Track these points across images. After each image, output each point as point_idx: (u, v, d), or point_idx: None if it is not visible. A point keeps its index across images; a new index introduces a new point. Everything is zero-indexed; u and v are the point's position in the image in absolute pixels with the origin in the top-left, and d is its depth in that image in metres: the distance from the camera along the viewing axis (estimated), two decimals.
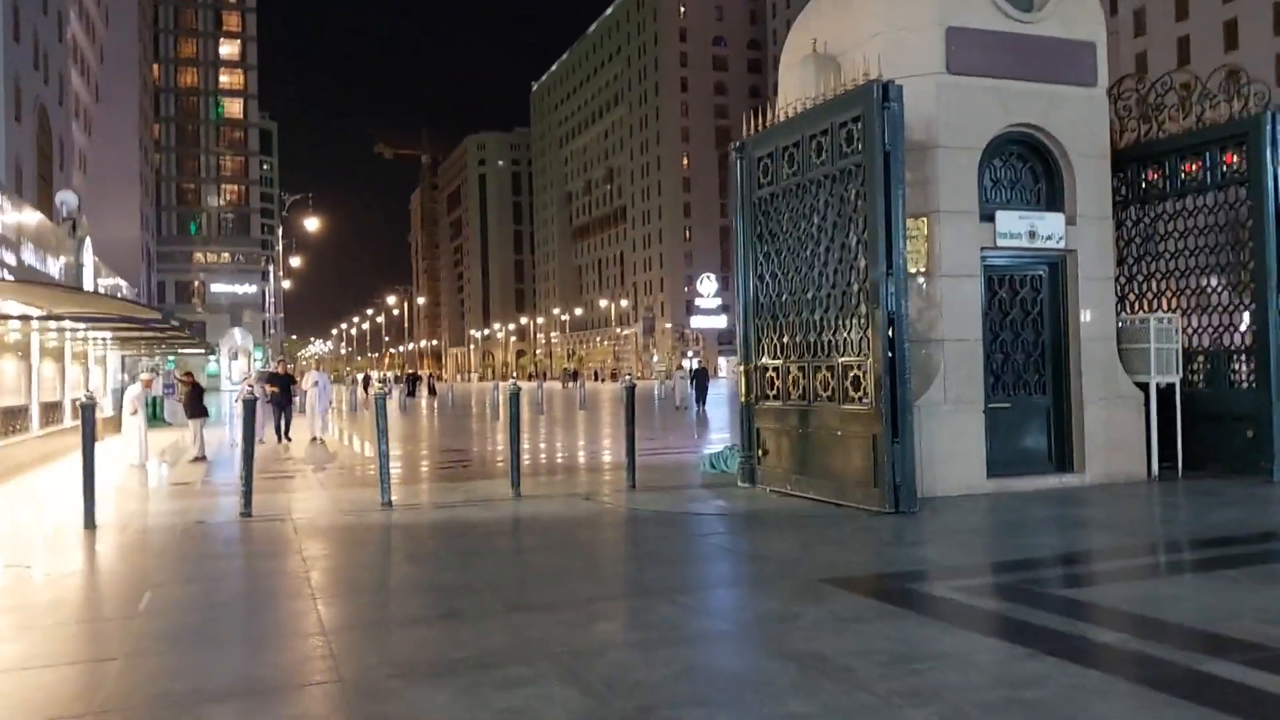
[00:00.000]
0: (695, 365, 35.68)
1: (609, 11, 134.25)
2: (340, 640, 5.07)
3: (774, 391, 10.43)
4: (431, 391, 60.56)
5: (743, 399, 10.83)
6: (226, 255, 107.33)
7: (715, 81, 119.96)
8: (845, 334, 9.32)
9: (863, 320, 9.05)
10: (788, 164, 10.20)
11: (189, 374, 18.35)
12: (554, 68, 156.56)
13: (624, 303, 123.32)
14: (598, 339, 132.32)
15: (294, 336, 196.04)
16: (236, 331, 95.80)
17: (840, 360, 9.34)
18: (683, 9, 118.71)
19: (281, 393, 18.65)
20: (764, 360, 10.59)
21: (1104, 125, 10.78)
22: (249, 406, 9.37)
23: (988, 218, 10.10)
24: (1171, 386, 10.96)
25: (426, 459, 16.46)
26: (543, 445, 19.07)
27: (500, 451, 16.98)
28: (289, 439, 18.69)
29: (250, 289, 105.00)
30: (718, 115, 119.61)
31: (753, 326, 10.72)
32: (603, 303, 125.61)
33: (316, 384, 19.00)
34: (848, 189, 9.30)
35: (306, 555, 7.46)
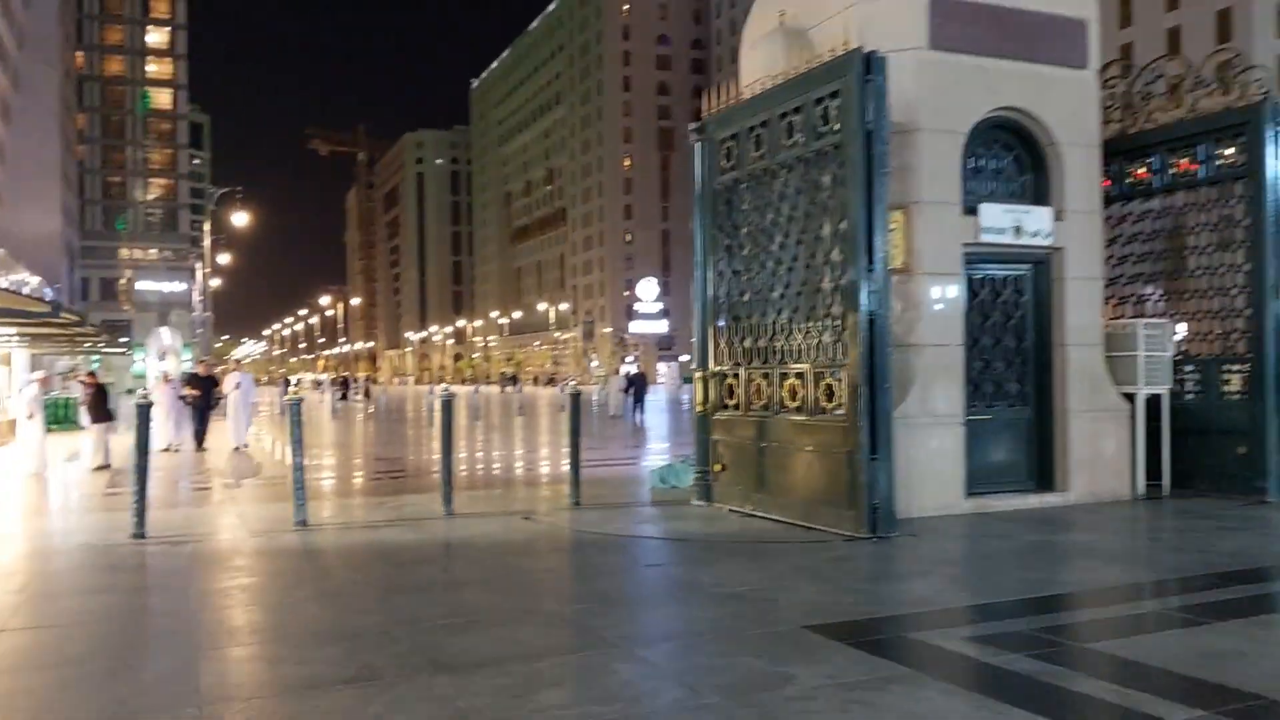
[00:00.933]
0: (632, 371, 34.24)
1: (551, 8, 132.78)
2: (217, 718, 3.95)
3: (734, 401, 9.46)
4: (366, 395, 58.72)
5: (699, 408, 9.83)
6: (154, 252, 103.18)
7: (659, 81, 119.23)
8: (817, 338, 8.39)
9: (837, 322, 8.12)
10: (754, 146, 9.24)
11: (91, 374, 16.77)
12: (494, 65, 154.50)
13: (564, 306, 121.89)
14: (537, 343, 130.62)
15: (226, 337, 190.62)
16: (164, 331, 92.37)
17: (810, 367, 8.41)
18: (626, 6, 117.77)
19: (202, 396, 17.20)
20: (723, 366, 9.61)
21: (1094, 111, 10.02)
22: (142, 412, 8.09)
23: (969, 211, 9.28)
24: (1156, 398, 10.26)
25: (355, 470, 15.19)
26: (479, 455, 17.90)
27: (436, 461, 15.76)
28: (205, 446, 17.25)
29: (179, 287, 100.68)
30: (661, 116, 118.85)
31: (711, 329, 9.74)
32: (542, 306, 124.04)
33: (239, 386, 17.37)
34: (823, 174, 8.39)
35: (197, 589, 6.27)
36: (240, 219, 49.96)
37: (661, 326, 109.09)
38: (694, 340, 9.91)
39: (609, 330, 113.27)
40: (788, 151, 8.79)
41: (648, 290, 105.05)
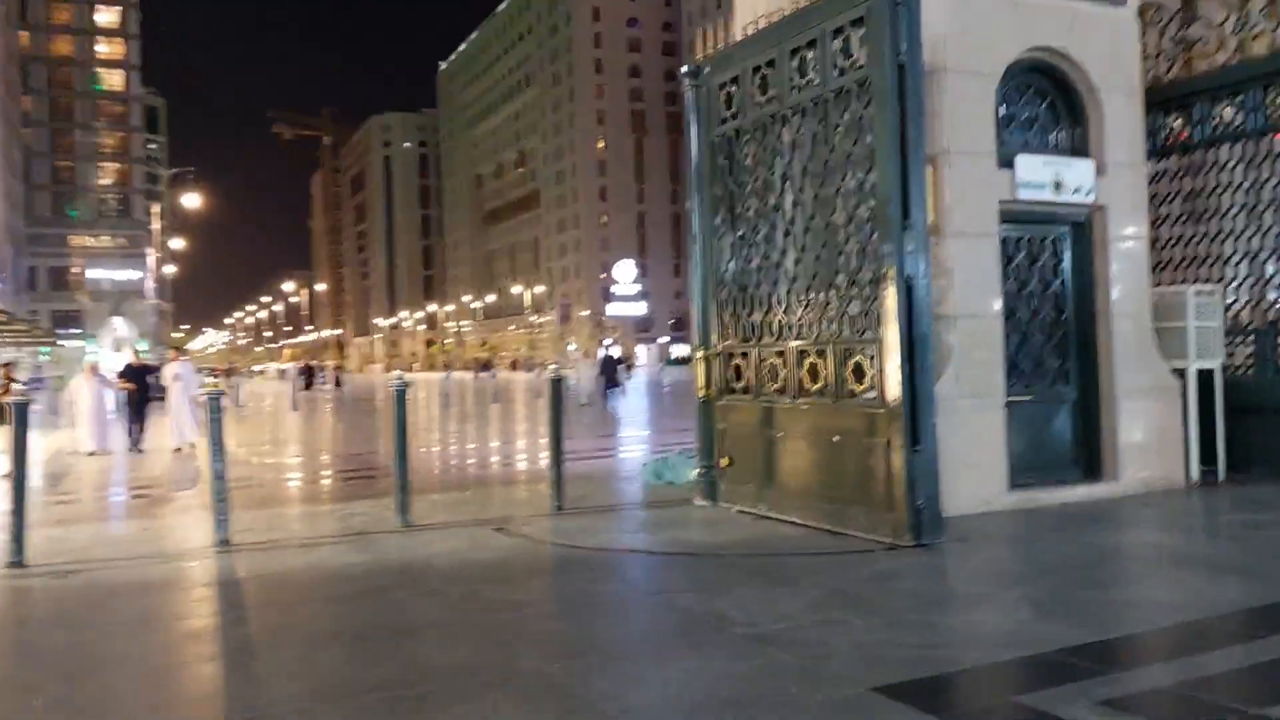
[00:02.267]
0: (604, 354, 31.82)
1: None
2: None
3: (742, 384, 8.13)
4: (337, 384, 56.74)
5: (700, 393, 8.49)
6: (107, 239, 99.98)
7: (630, 64, 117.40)
8: (842, 308, 7.09)
9: (867, 290, 6.82)
10: (760, 90, 7.87)
11: (7, 365, 15.12)
12: (463, 47, 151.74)
13: (539, 289, 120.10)
14: (511, 327, 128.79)
15: (185, 327, 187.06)
16: (118, 321, 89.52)
17: (834, 343, 7.10)
18: None
19: (138, 390, 15.49)
20: (728, 343, 8.28)
21: (1135, 55, 8.75)
22: (20, 411, 6.64)
23: (1005, 164, 8.00)
24: (1209, 373, 9.06)
25: (306, 469, 13.77)
26: (452, 448, 16.52)
27: (432, 454, 14.29)
28: (142, 449, 15.54)
29: (134, 275, 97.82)
30: (633, 98, 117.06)
31: (713, 302, 8.39)
32: (516, 289, 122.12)
33: (179, 378, 15.40)
34: (845, 117, 7.05)
35: (62, 642, 4.87)
36: (192, 201, 47.87)
37: (640, 308, 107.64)
38: (694, 316, 8.56)
39: (586, 313, 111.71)
40: (801, 93, 7.44)
41: (625, 272, 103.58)
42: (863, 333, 6.81)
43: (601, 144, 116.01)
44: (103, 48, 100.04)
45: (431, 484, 10.96)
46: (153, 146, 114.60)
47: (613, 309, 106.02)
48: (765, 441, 7.74)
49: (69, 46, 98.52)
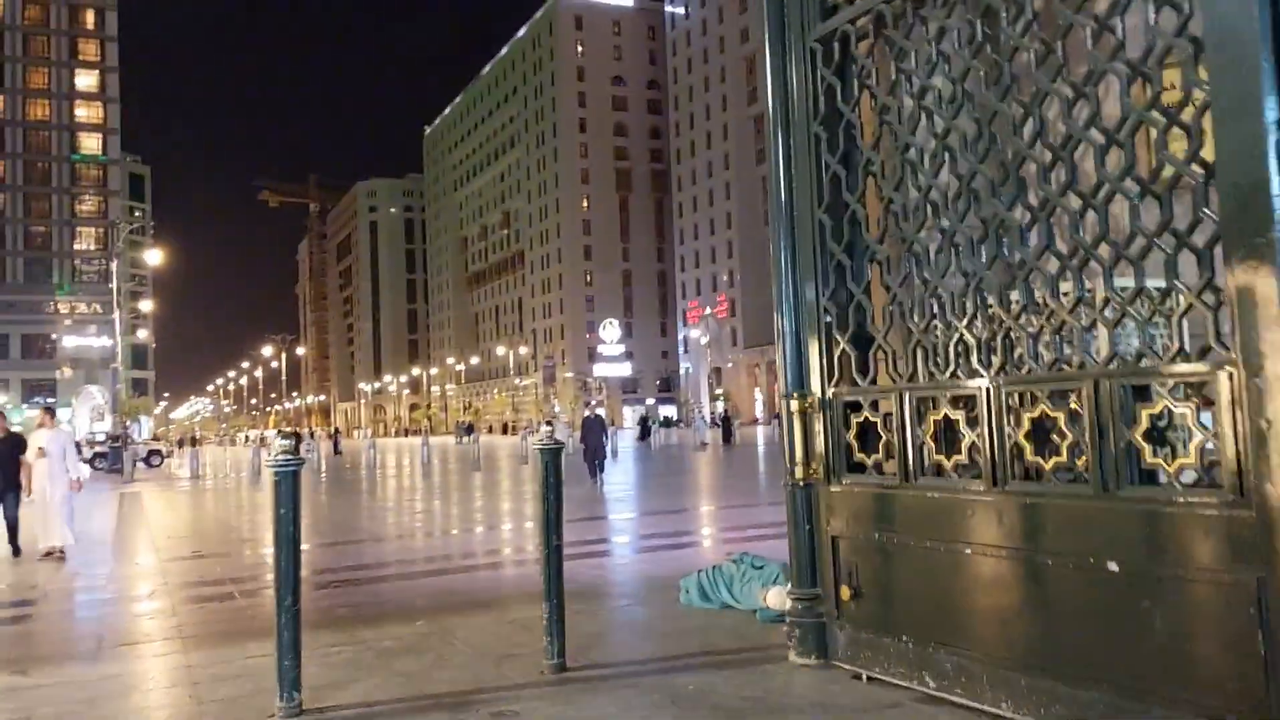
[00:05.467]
0: (589, 414, 24.10)
1: (504, 51, 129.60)
2: None
3: (877, 455, 4.72)
4: (336, 451, 52.54)
5: (796, 473, 5.07)
6: (83, 306, 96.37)
7: (615, 122, 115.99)
8: (1119, 313, 3.71)
9: (1200, 277, 3.47)
10: None
11: None
12: (447, 111, 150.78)
13: (523, 350, 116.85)
14: (495, 390, 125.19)
15: (167, 395, 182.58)
16: (95, 389, 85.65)
17: (1112, 376, 3.69)
18: (580, 48, 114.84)
19: (5, 467, 11.49)
20: (850, 388, 4.90)
21: None
22: None
23: None
24: None
25: (205, 575, 10.18)
26: (415, 537, 12.98)
27: (384, 549, 10.69)
28: (19, 549, 11.19)
29: (108, 342, 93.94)
30: (618, 157, 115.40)
31: (818, 317, 5.02)
32: (500, 350, 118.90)
33: (46, 454, 11.19)
34: None
35: None
36: (154, 256, 44.53)
37: (625, 369, 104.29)
38: (781, 343, 5.17)
39: (570, 375, 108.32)
40: None
41: (610, 332, 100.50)
42: (1175, 356, 3.44)
43: (586, 203, 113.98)
44: (82, 112, 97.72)
45: (368, 605, 7.47)
46: (138, 214, 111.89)
47: (598, 369, 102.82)
48: (932, 562, 4.33)
49: (46, 111, 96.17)
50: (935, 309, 4.42)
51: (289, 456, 4.53)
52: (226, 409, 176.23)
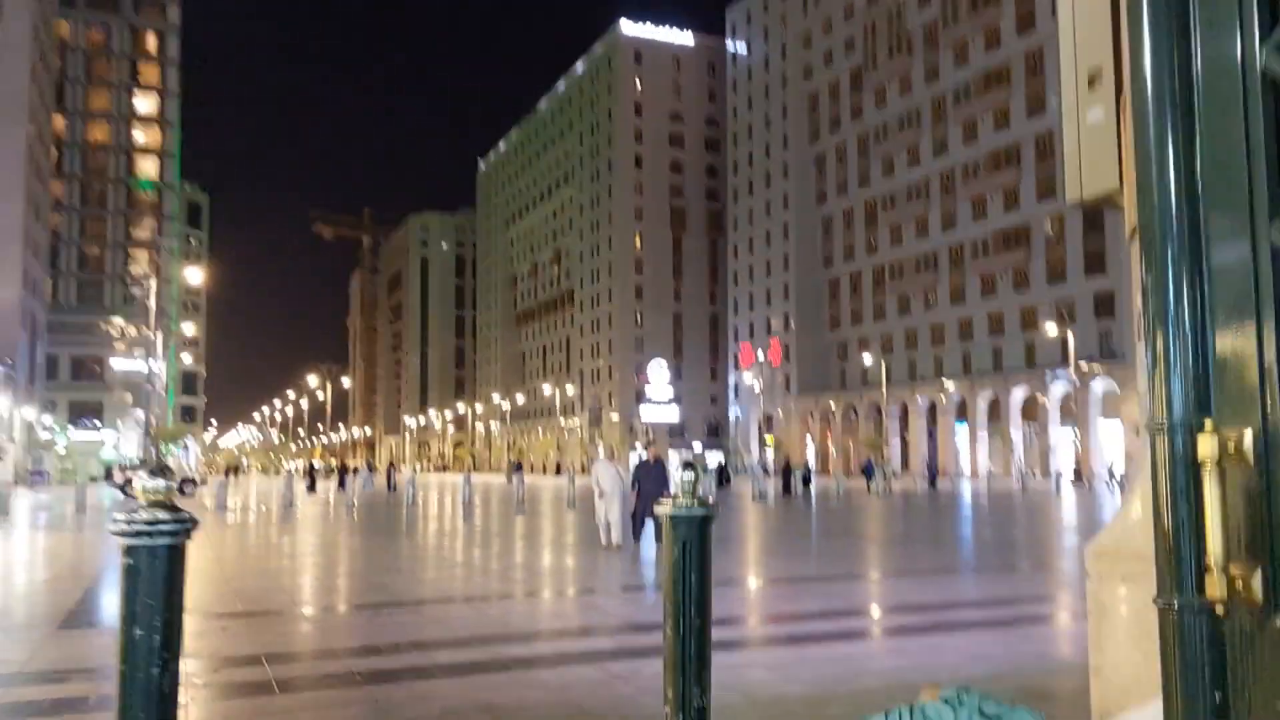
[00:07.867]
0: (640, 457, 17.18)
1: (561, 87, 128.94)
2: None
3: None
4: (390, 487, 48.48)
5: (1198, 587, 2.11)
6: (133, 330, 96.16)
7: (671, 159, 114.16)
8: None
9: None
10: None
11: None
12: (502, 146, 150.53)
13: (569, 389, 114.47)
14: (540, 429, 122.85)
15: (213, 422, 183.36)
16: (140, 413, 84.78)
17: None
18: (639, 83, 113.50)
19: None
20: None
21: None
22: None
23: None
24: None
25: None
26: (442, 591, 10.22)
27: (369, 619, 7.91)
28: None
29: (155, 366, 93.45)
30: (673, 194, 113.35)
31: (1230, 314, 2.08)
32: (547, 389, 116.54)
33: None
34: None
35: None
36: (194, 276, 43.17)
37: (673, 414, 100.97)
38: (1141, 363, 2.24)
39: (616, 417, 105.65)
40: None
41: (658, 373, 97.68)
42: None
43: (638, 241, 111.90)
44: (140, 135, 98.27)
45: (361, 704, 4.72)
46: (194, 243, 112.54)
47: (646, 413, 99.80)
48: None
49: (104, 133, 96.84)
50: None
51: (164, 514, 1.83)
52: (275, 439, 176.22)
